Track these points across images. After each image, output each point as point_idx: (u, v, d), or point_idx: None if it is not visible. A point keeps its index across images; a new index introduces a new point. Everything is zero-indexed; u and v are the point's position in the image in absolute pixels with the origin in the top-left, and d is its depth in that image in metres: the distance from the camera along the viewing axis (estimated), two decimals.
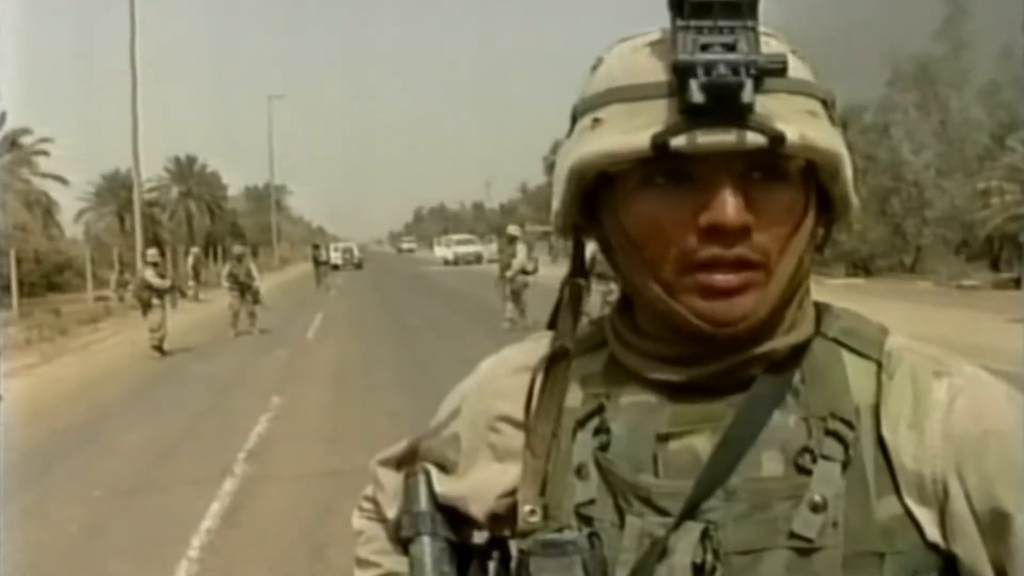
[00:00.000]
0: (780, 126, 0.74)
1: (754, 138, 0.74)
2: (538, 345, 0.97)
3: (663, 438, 0.85)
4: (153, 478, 7.18)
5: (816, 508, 0.79)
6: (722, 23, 0.73)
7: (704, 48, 0.73)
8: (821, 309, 0.90)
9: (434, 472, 1.01)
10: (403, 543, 1.01)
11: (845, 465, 0.80)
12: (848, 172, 0.82)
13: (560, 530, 0.86)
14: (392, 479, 1.07)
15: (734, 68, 0.72)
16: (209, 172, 65.13)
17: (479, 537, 1.02)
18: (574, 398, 0.91)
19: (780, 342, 0.84)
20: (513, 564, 0.92)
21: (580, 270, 0.94)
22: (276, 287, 30.69)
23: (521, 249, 16.86)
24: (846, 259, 29.18)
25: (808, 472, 0.80)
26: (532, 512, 0.88)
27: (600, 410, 0.88)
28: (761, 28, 0.77)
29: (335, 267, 47.22)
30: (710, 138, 0.74)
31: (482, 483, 0.96)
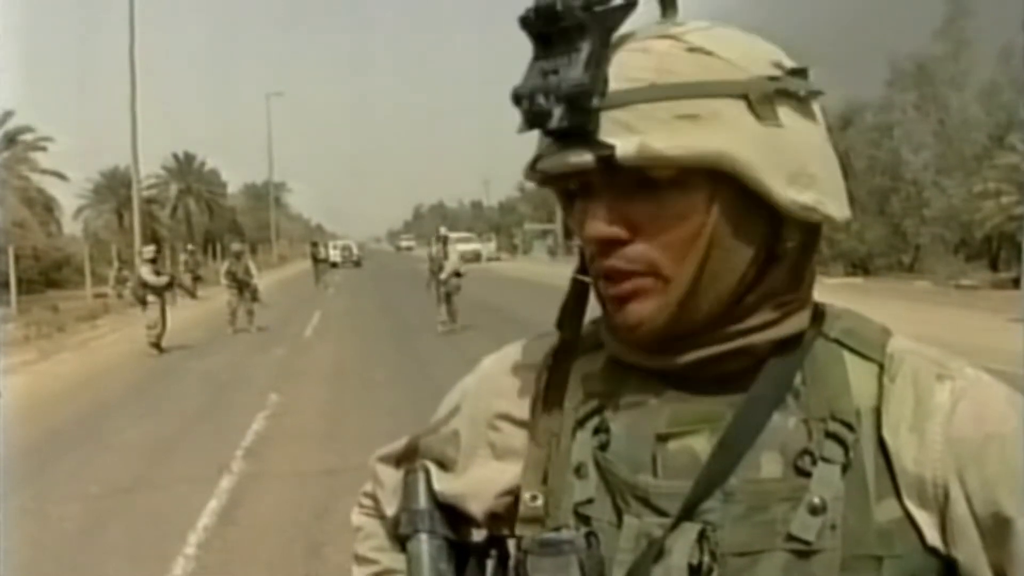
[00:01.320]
0: (620, 139, 0.76)
1: (580, 158, 0.77)
2: (539, 344, 0.98)
3: (662, 438, 0.85)
4: (150, 476, 7.17)
5: (815, 510, 0.79)
6: (562, 49, 0.76)
7: (546, 75, 0.76)
8: (822, 309, 0.89)
9: (433, 470, 1.01)
10: (401, 540, 1.01)
11: (845, 468, 0.80)
12: (759, 172, 0.77)
13: (558, 529, 0.86)
14: (391, 476, 1.07)
15: (546, 95, 0.76)
16: (208, 169, 65.24)
17: (477, 535, 1.02)
18: (574, 397, 0.91)
19: (760, 337, 0.84)
20: (512, 563, 0.92)
21: (584, 267, 0.93)
22: (275, 285, 30.69)
23: (453, 251, 16.61)
24: (844, 258, 29.25)
25: (807, 474, 0.80)
26: (534, 498, 0.89)
27: (600, 409, 0.88)
28: (663, 29, 0.80)
29: (334, 265, 47.19)
30: (548, 162, 0.80)
31: (481, 481, 0.96)
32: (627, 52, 0.78)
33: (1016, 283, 23.63)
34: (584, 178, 0.80)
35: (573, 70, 0.75)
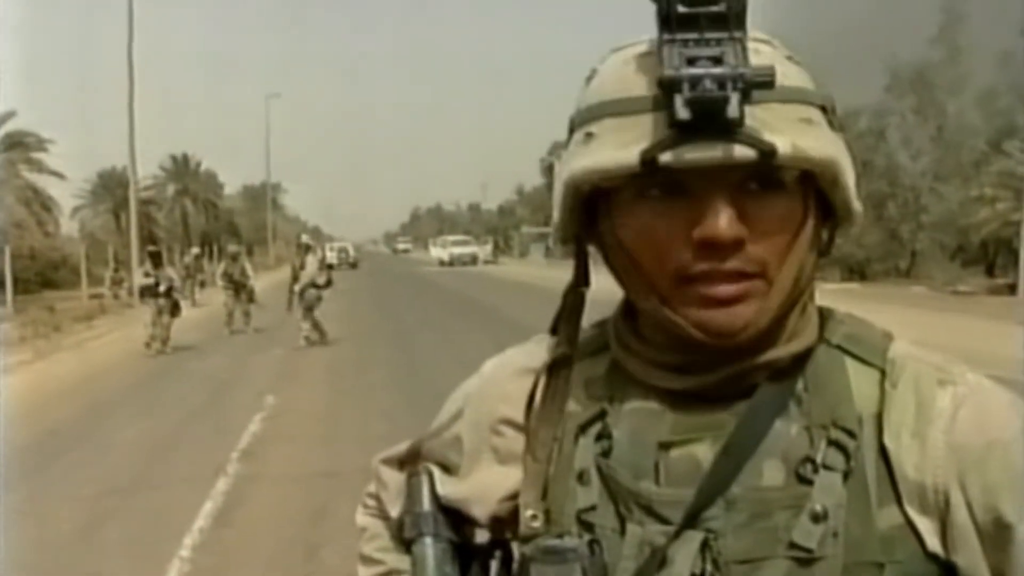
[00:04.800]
0: (770, 137, 0.73)
1: (743, 152, 0.73)
2: (541, 347, 0.97)
3: (665, 446, 0.84)
4: (146, 477, 7.16)
5: (817, 518, 0.79)
6: (708, 35, 0.72)
7: (691, 62, 0.71)
8: (825, 315, 0.89)
9: (436, 473, 1.01)
10: (406, 543, 1.01)
11: (847, 475, 0.80)
12: (848, 178, 0.81)
13: (561, 536, 0.86)
14: (394, 478, 1.07)
15: (720, 82, 0.70)
16: (205, 171, 65.17)
17: (481, 537, 1.02)
18: (576, 402, 0.91)
19: (782, 351, 0.84)
20: (515, 566, 0.92)
21: (583, 279, 0.93)
22: (271, 286, 30.56)
23: (311, 260, 15.46)
24: (842, 264, 29.24)
25: (809, 482, 0.80)
26: (534, 517, 0.88)
27: (602, 415, 0.88)
28: (754, 35, 0.77)
29: (330, 267, 47.05)
30: (697, 154, 0.73)
31: (484, 486, 0.96)
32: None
33: (1012, 289, 23.68)
34: (678, 177, 0.77)
35: (738, 59, 0.71)
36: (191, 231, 58.35)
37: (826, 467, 0.80)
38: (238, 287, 17.77)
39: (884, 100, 31.19)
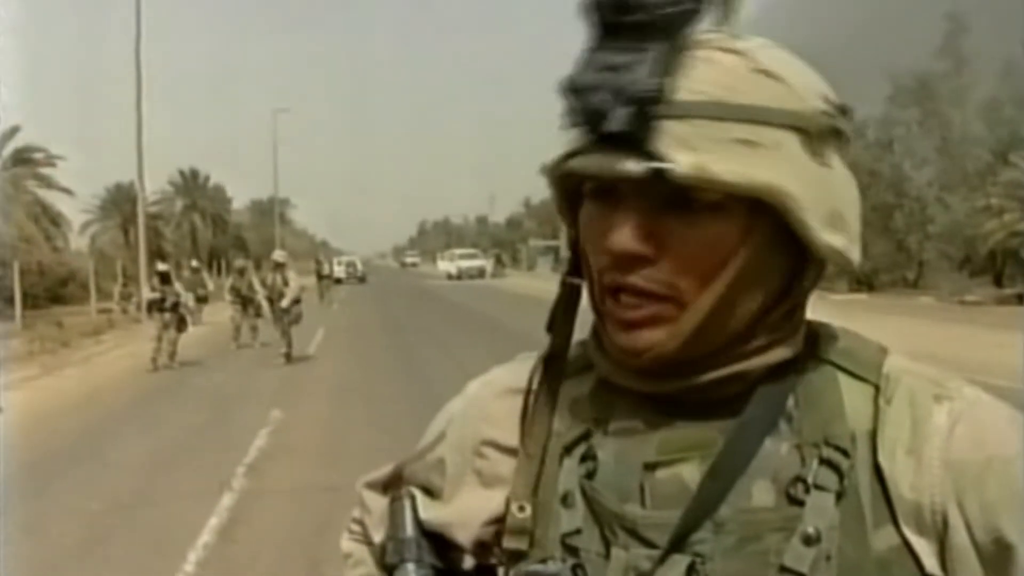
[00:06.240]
0: (676, 154, 0.71)
1: (632, 166, 0.72)
2: (525, 366, 0.94)
3: (650, 467, 0.82)
4: (151, 492, 7.15)
5: (809, 541, 0.76)
6: (625, 44, 0.71)
7: (602, 70, 0.71)
8: (817, 329, 0.86)
9: (419, 497, 0.99)
10: (388, 569, 0.98)
11: (839, 495, 0.77)
12: (805, 211, 0.75)
13: (544, 560, 0.83)
14: (378, 502, 1.05)
15: (614, 93, 0.70)
16: (213, 185, 65.44)
17: (465, 562, 1.00)
18: (561, 422, 0.88)
19: (754, 362, 0.80)
20: None
21: (578, 269, 0.89)
22: None
23: (293, 276, 15.46)
24: (849, 274, 29.19)
25: (800, 503, 0.77)
26: (521, 508, 0.86)
27: (587, 436, 0.86)
28: (726, 43, 0.75)
29: (338, 281, 47.09)
30: (588, 163, 0.75)
31: (467, 509, 0.93)
32: (690, 61, 0.74)
33: (1020, 299, 23.63)
34: (611, 184, 0.77)
35: (640, 71, 0.70)
36: (199, 246, 58.53)
37: (818, 487, 0.77)
38: (246, 301, 17.78)
39: (889, 111, 31.22)
